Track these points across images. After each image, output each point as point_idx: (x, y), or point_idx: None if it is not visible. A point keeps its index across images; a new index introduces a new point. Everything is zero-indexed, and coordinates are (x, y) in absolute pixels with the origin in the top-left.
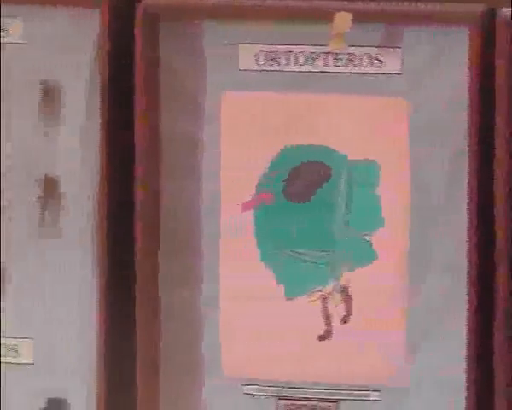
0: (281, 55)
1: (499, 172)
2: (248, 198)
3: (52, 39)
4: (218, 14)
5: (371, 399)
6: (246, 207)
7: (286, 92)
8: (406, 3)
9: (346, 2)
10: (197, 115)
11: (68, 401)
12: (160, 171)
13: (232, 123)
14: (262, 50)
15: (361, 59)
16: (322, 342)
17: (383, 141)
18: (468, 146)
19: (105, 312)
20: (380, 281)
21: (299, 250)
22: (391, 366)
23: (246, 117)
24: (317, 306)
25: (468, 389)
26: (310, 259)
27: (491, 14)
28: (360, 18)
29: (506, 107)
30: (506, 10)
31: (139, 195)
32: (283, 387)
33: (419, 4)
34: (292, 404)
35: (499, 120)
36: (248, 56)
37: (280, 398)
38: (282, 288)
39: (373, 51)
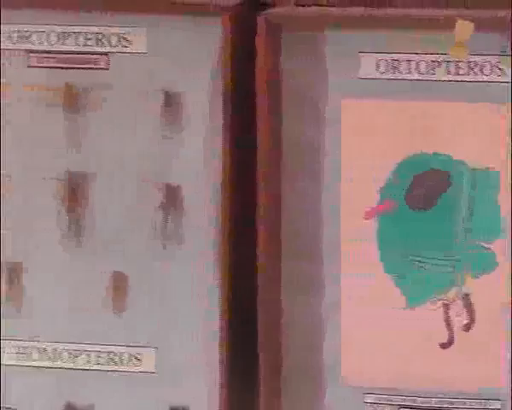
0: (402, 63)
1: None
2: (370, 205)
3: (174, 48)
4: (339, 23)
5: (493, 408)
6: (369, 214)
7: (407, 100)
8: None
9: (467, 11)
10: (318, 121)
11: (191, 409)
12: (281, 175)
13: (353, 130)
14: (383, 59)
15: (482, 67)
16: (445, 349)
17: (504, 149)
18: None
19: (227, 320)
20: (501, 289)
21: (422, 258)
22: None
23: (367, 124)
24: (439, 313)
25: None
26: (432, 266)
27: None
28: (481, 26)
29: None
30: None
31: (261, 198)
32: (405, 395)
33: None
34: None
35: None
36: (369, 64)
37: (402, 407)
38: (404, 295)
39: (494, 60)
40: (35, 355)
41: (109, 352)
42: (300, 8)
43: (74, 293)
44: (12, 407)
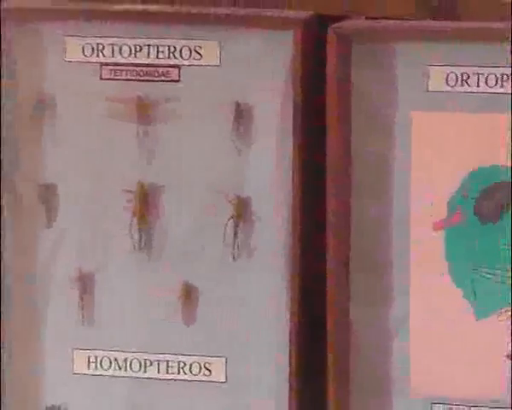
0: (471, 76)
1: None
2: (439, 217)
3: (246, 61)
4: (409, 36)
5: None
6: (438, 226)
7: (476, 113)
8: None
9: None
10: (387, 134)
11: None
12: (351, 183)
13: (422, 142)
14: (452, 72)
15: None
16: None
17: None
18: None
19: (297, 331)
20: None
21: (489, 270)
22: None
23: (436, 137)
24: (506, 325)
25: None
26: (499, 278)
27: None
28: None
29: None
30: None
31: (331, 205)
32: (473, 406)
33: None
34: None
35: None
36: (439, 78)
37: None
38: (471, 307)
39: None
40: (106, 365)
41: (179, 362)
42: (370, 21)
43: (145, 303)
44: None
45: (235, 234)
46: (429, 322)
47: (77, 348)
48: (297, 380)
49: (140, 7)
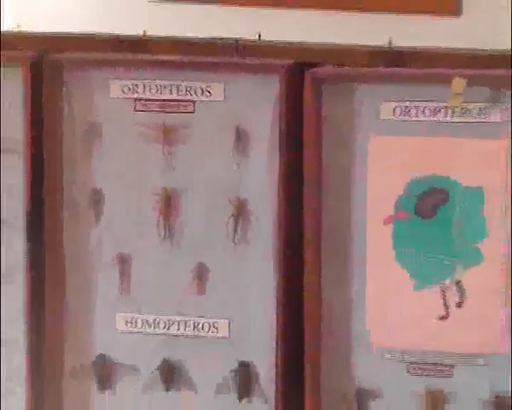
0: (411, 109)
1: None
2: (388, 215)
3: (243, 97)
4: (366, 79)
5: (479, 364)
6: (387, 221)
7: (416, 136)
8: (503, 70)
9: (461, 70)
10: (350, 152)
11: (254, 363)
12: (321, 191)
13: (376, 158)
14: (398, 106)
15: (472, 112)
16: (442, 321)
17: (488, 172)
18: None
19: (281, 300)
20: (486, 277)
21: (427, 254)
22: (495, 339)
23: (386, 153)
24: (439, 294)
25: None
26: (434, 260)
27: None
28: (472, 82)
29: None
30: None
31: (307, 208)
32: (414, 355)
33: None
34: (419, 367)
35: None
36: (388, 110)
37: (411, 362)
38: (412, 282)
39: (482, 106)
40: (139, 324)
41: (194, 322)
42: (337, 67)
43: (168, 279)
44: (124, 362)
45: (236, 227)
46: (380, 294)
47: (118, 312)
48: (282, 335)
49: (165, 57)
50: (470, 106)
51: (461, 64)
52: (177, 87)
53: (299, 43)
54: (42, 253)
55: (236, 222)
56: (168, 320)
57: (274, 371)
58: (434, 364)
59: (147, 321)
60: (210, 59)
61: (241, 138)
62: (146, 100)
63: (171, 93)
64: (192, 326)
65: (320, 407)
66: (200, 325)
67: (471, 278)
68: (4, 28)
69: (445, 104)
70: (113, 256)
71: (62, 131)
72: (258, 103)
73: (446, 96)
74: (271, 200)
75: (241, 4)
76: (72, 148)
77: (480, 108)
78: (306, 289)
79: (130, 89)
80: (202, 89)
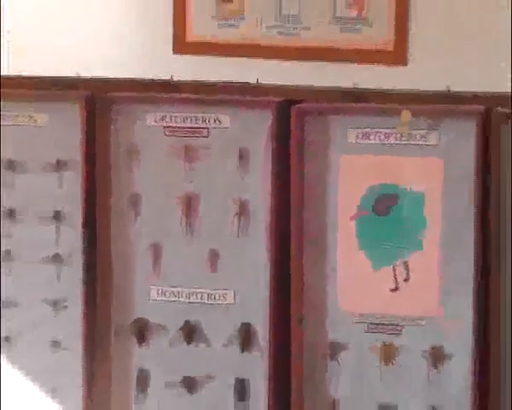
0: (371, 134)
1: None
2: (353, 213)
3: (245, 125)
4: (337, 112)
5: (421, 324)
6: (352, 218)
7: (374, 155)
8: (438, 106)
9: (408, 105)
10: (326, 167)
11: (253, 324)
12: (303, 197)
13: (345, 171)
14: (361, 132)
15: (415, 136)
16: (393, 292)
17: (428, 181)
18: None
19: (274, 277)
20: (425, 260)
21: (382, 243)
22: (432, 306)
23: (352, 168)
24: (391, 272)
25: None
26: (387, 247)
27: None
28: (416, 114)
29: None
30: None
31: (294, 209)
32: (372, 318)
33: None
34: (376, 327)
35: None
36: (353, 135)
37: (370, 323)
38: (370, 263)
39: (423, 132)
40: (167, 294)
41: (208, 293)
42: (316, 104)
43: (188, 261)
44: (156, 323)
45: (239, 223)
46: (347, 272)
47: (151, 285)
48: (274, 303)
49: (186, 95)
50: (414, 132)
51: (407, 101)
52: (196, 118)
53: (287, 86)
54: (94, 242)
55: (239, 219)
56: (189, 292)
57: (268, 329)
58: (388, 324)
59: (173, 292)
60: (220, 97)
61: (243, 156)
62: (173, 127)
63: (191, 122)
64: (207, 296)
65: (302, 355)
66: (213, 295)
67: (414, 260)
68: (65, 74)
69: (395, 131)
70: (148, 245)
71: (111, 150)
72: (256, 130)
73: (397, 124)
74: (266, 202)
75: (245, 56)
76: (118, 162)
77: (421, 134)
78: (292, 269)
79: (161, 119)
80: (214, 119)
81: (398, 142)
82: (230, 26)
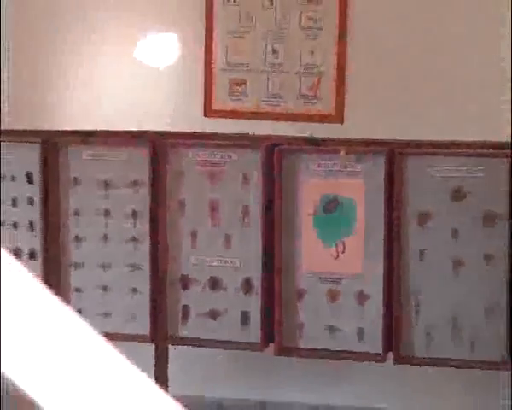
0: (322, 165)
1: None
2: (312, 211)
3: (245, 159)
4: (304, 152)
5: (352, 278)
6: (311, 214)
7: (325, 177)
8: (364, 148)
9: (345, 147)
10: (296, 187)
11: (251, 277)
12: (282, 201)
13: (308, 188)
14: (315, 163)
15: (348, 166)
16: (335, 259)
17: (356, 193)
18: None
19: (264, 250)
20: (354, 240)
21: (329, 229)
22: (359, 267)
23: (312, 184)
24: (334, 248)
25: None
26: (332, 232)
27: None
28: (350, 152)
29: None
30: None
31: (276, 213)
32: (323, 275)
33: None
34: (325, 280)
35: None
36: (313, 165)
37: (320, 277)
38: (322, 244)
39: (352, 163)
40: (201, 260)
41: (225, 260)
42: (290, 146)
43: (214, 243)
44: (193, 277)
45: (244, 219)
46: (308, 248)
47: (191, 255)
48: (264, 266)
49: (212, 141)
50: (347, 163)
51: (343, 144)
52: (217, 155)
53: (272, 135)
54: (157, 229)
55: (244, 216)
56: (213, 259)
57: (260, 282)
58: (332, 278)
59: (204, 259)
60: (232, 142)
61: (246, 178)
62: (203, 160)
63: (214, 157)
64: (224, 262)
65: (281, 297)
66: (228, 261)
67: (348, 241)
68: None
69: (337, 162)
70: (190, 231)
71: (167, 176)
72: (253, 162)
73: (337, 159)
74: (260, 206)
75: (247, 118)
76: (172, 184)
77: (351, 164)
78: (276, 246)
79: (197, 155)
80: (228, 155)
81: (338, 169)
82: (239, 100)
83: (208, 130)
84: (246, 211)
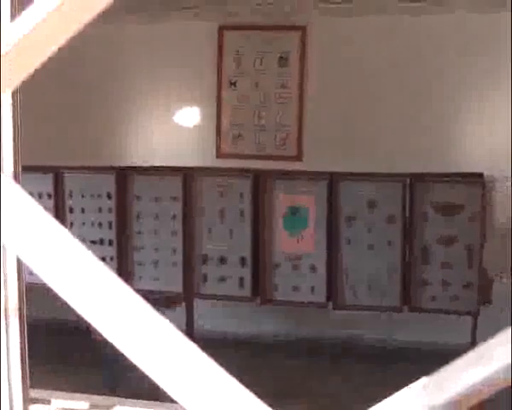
0: (290, 187)
1: None
2: (282, 213)
3: (242, 184)
4: (280, 177)
5: (308, 256)
6: (282, 216)
7: (292, 194)
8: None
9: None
10: (274, 199)
11: (247, 258)
12: (265, 212)
13: (280, 200)
14: (286, 185)
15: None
16: (297, 243)
17: (310, 204)
18: None
19: (251, 249)
20: (309, 231)
21: (292, 225)
22: (311, 247)
23: (283, 198)
24: (296, 238)
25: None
26: (295, 227)
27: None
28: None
29: None
30: None
31: (267, 219)
32: (288, 254)
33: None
34: (289, 259)
35: None
36: (283, 187)
37: (288, 257)
38: (288, 235)
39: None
40: (213, 246)
41: (230, 246)
42: (271, 175)
43: (219, 233)
44: (210, 255)
45: (241, 220)
46: (277, 239)
47: (207, 244)
48: (253, 248)
49: (219, 172)
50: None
51: (303, 174)
52: (223, 181)
53: (260, 169)
54: (189, 223)
55: (241, 218)
56: (221, 245)
57: (250, 259)
58: (295, 256)
59: (216, 245)
60: (233, 173)
61: (241, 197)
62: (216, 184)
63: (222, 182)
64: (228, 247)
65: (265, 266)
66: (231, 246)
67: (305, 231)
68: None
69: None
70: (207, 227)
71: (200, 191)
72: (246, 186)
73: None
74: (250, 213)
75: (242, 158)
76: (198, 197)
77: (307, 186)
78: (260, 236)
79: (212, 181)
80: (230, 181)
81: (298, 189)
82: (238, 147)
83: (218, 166)
84: (242, 215)
